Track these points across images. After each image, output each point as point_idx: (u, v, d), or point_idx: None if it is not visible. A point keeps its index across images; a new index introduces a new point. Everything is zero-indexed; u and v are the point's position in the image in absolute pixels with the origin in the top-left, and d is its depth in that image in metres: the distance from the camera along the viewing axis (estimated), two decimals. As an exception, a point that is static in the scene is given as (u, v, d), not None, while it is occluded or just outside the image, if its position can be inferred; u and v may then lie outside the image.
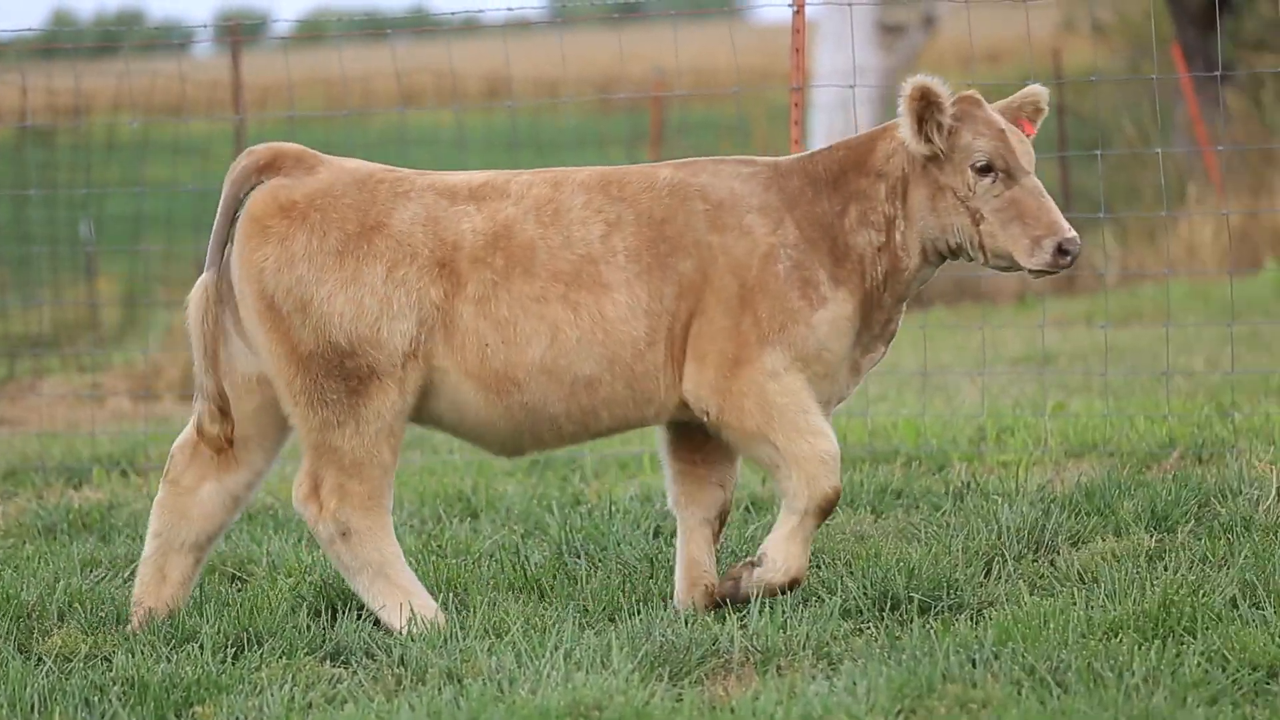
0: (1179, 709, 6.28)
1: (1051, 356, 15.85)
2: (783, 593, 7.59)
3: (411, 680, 7.02)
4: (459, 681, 6.93)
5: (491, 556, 8.89)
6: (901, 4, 30.59)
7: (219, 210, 7.66)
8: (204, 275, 7.65)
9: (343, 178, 7.66)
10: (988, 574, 8.24)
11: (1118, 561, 8.11)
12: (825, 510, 7.56)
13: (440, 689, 6.84)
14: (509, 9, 11.54)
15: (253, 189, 7.69)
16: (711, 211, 7.61)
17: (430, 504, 10.25)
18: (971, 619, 7.48)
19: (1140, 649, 6.83)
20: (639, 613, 7.72)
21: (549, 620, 7.69)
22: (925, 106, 7.51)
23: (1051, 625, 7.14)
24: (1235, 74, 26.71)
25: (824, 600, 7.70)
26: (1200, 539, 8.47)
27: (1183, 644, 6.91)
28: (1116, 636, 7.04)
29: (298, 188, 7.63)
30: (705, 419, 7.62)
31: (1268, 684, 6.49)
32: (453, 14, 13.50)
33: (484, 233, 7.59)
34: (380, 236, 7.56)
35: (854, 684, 6.65)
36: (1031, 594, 7.76)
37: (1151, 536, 8.59)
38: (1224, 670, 6.59)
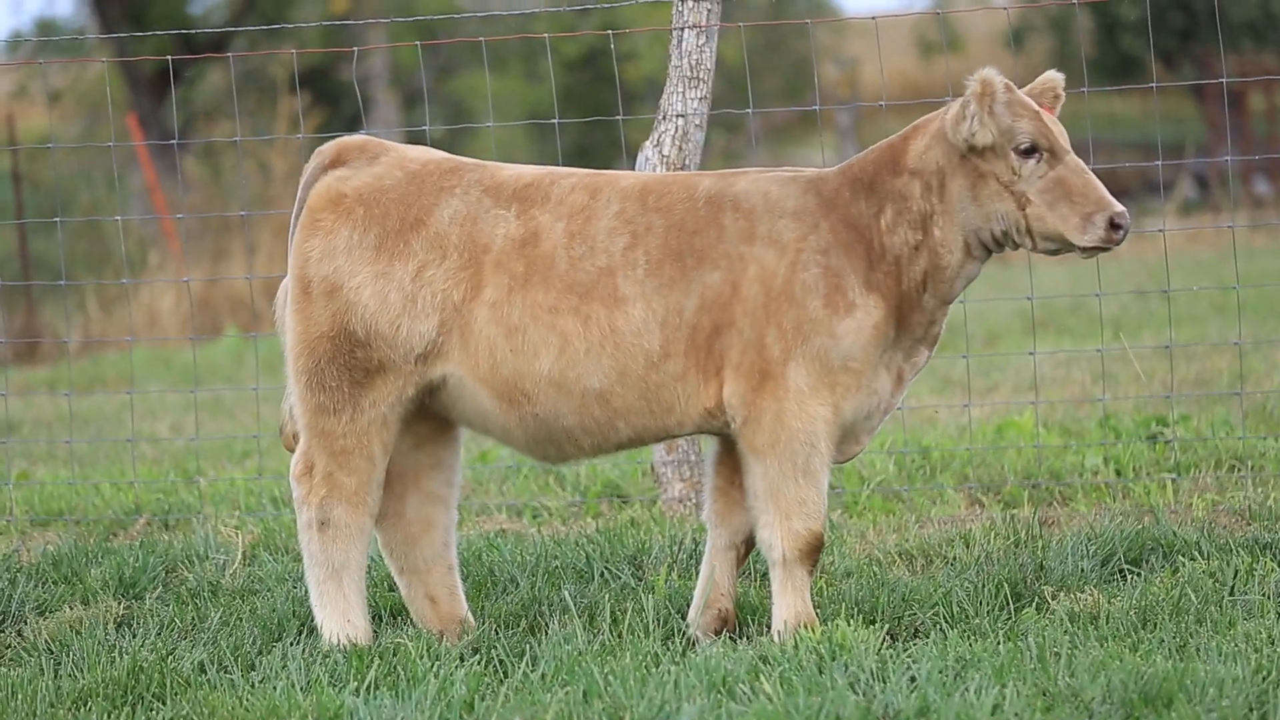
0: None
1: (16, 425, 15.65)
2: None
3: None
4: None
5: None
6: None
7: (294, 213, 7.65)
8: (286, 278, 7.64)
9: (394, 171, 7.61)
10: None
11: (86, 630, 8.09)
12: (805, 556, 7.30)
13: None
14: None
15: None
16: (743, 221, 7.38)
17: None
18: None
19: (110, 717, 6.85)
20: None
21: None
22: (990, 99, 7.33)
23: (20, 696, 7.07)
24: (192, 141, 27.19)
25: None
26: (169, 605, 8.55)
27: (153, 710, 6.96)
28: (86, 705, 7.03)
29: (350, 180, 7.60)
30: (731, 425, 7.37)
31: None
32: None
33: (514, 237, 7.48)
34: (417, 235, 7.50)
35: None
36: (-1, 666, 7.66)
37: (120, 603, 8.61)
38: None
